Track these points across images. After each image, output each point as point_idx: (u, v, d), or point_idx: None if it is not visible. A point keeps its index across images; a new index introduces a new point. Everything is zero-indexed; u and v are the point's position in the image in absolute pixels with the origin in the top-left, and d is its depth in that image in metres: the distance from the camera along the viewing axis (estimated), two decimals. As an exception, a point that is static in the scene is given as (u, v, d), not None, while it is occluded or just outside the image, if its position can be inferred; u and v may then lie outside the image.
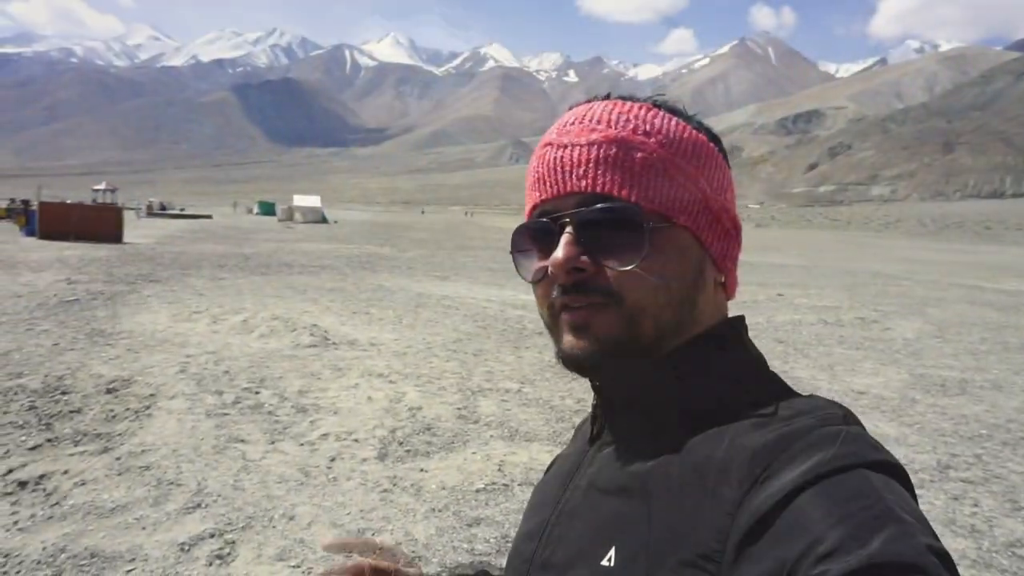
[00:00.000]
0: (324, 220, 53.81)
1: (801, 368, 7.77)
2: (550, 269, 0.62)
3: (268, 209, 68.47)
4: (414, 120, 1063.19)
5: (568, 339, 0.63)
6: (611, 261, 0.61)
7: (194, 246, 21.24)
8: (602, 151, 0.62)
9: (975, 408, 6.46)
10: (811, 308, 13.16)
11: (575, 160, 0.62)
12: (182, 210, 63.88)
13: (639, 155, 0.62)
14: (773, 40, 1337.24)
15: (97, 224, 21.71)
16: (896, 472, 0.51)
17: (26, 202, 33.78)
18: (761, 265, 25.40)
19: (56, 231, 20.96)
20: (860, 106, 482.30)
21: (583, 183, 0.62)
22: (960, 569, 3.34)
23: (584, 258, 0.61)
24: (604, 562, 0.57)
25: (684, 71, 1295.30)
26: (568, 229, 0.62)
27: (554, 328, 0.65)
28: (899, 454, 4.99)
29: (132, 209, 49.66)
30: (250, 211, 74.82)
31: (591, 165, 0.62)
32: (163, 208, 60.67)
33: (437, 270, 17.62)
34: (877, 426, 5.72)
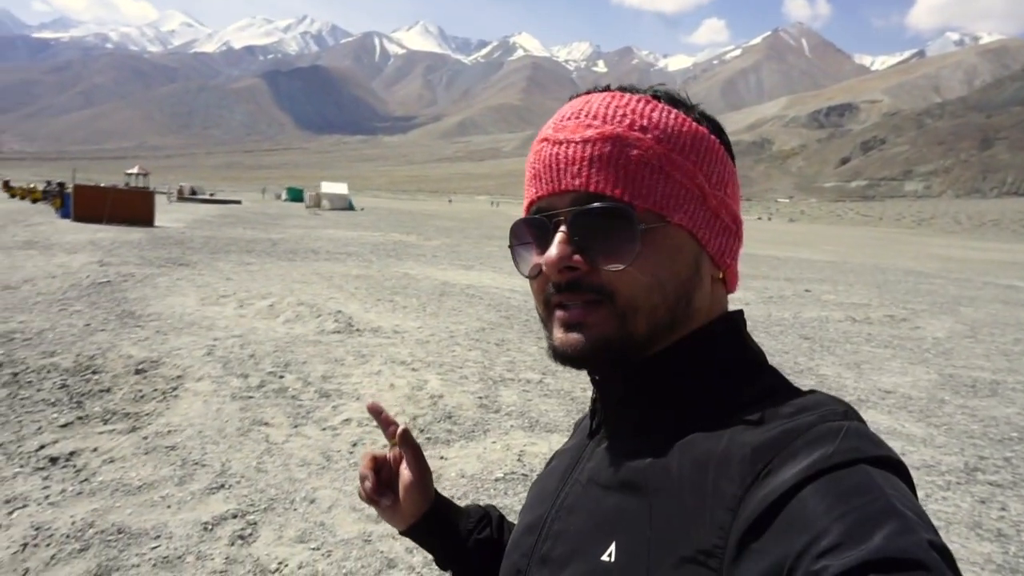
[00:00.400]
0: (351, 207, 54.17)
1: (827, 366, 7.67)
2: (543, 267, 0.62)
3: (296, 195, 69.10)
4: (442, 109, 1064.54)
5: (560, 335, 0.63)
6: (604, 261, 0.61)
7: (223, 231, 21.53)
8: (596, 149, 0.61)
9: (1006, 410, 6.32)
10: (839, 305, 12.96)
11: (570, 158, 0.62)
12: (212, 195, 64.71)
13: (634, 152, 0.61)
14: (807, 31, 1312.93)
15: (130, 207, 22.10)
16: (897, 468, 0.50)
17: (62, 185, 34.54)
18: (789, 260, 25.07)
19: (90, 214, 21.38)
20: (895, 100, 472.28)
21: (577, 182, 0.61)
22: (985, 574, 3.28)
23: (577, 257, 0.61)
24: (604, 557, 0.57)
25: (715, 62, 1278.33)
26: (562, 228, 0.62)
27: (548, 323, 0.66)
28: (926, 455, 4.91)
29: (163, 193, 50.49)
30: (278, 197, 75.63)
31: (585, 163, 0.61)
32: (193, 193, 61.47)
33: (462, 259, 17.66)
34: (904, 426, 5.63)
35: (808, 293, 14.60)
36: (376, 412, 0.86)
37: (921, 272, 23.15)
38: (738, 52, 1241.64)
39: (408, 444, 0.84)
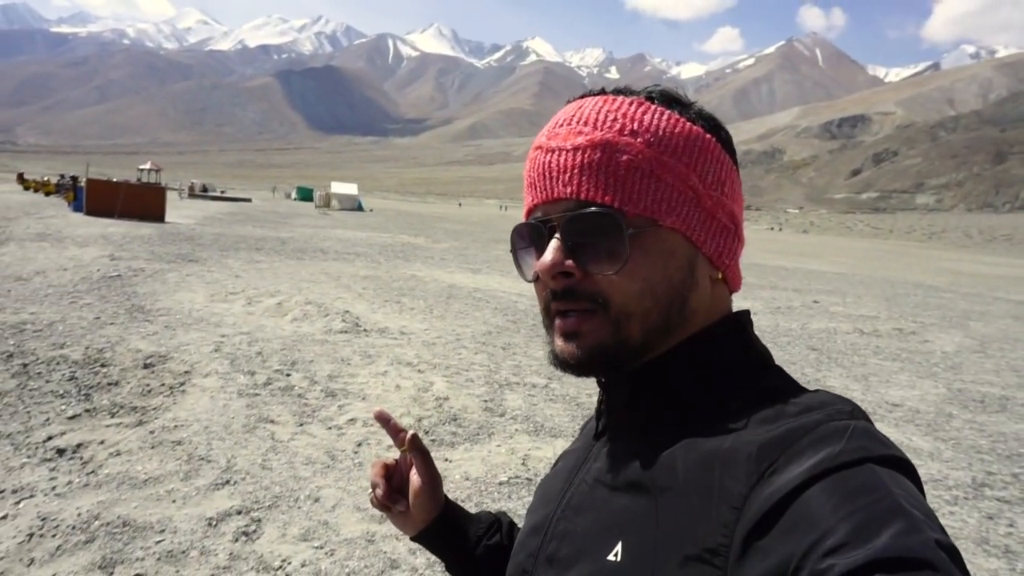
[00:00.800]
0: (360, 208, 54.32)
1: (834, 377, 7.63)
2: (539, 274, 0.64)
3: (306, 195, 69.32)
4: (453, 112, 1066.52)
5: (559, 344, 0.65)
6: (595, 267, 0.62)
7: (233, 228, 21.63)
8: (586, 156, 0.62)
9: (1015, 426, 6.27)
10: (847, 317, 12.90)
11: (561, 166, 0.63)
12: (223, 192, 65.03)
13: (624, 158, 0.61)
14: (821, 42, 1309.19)
15: (141, 203, 22.19)
16: (904, 467, 0.50)
17: (75, 179, 34.79)
18: (797, 271, 24.97)
19: (102, 208, 21.48)
20: (909, 112, 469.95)
21: (568, 189, 0.63)
22: (991, 591, 3.25)
23: (569, 263, 0.62)
24: (610, 557, 0.57)
25: (728, 71, 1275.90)
26: (556, 235, 0.63)
27: (549, 329, 0.67)
28: (933, 469, 4.88)
29: (175, 190, 50.74)
30: (288, 196, 75.93)
31: (576, 171, 0.62)
32: (204, 190, 61.78)
33: (469, 262, 17.67)
34: (911, 440, 5.60)
35: (816, 304, 14.53)
36: (384, 420, 0.86)
37: (931, 286, 23.02)
38: (751, 61, 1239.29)
39: (417, 450, 0.85)
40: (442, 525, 0.86)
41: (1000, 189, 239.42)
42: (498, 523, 0.90)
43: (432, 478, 0.85)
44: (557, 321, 0.65)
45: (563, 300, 0.63)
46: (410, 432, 0.85)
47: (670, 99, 0.66)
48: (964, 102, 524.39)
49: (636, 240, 0.61)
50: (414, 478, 0.85)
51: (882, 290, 19.65)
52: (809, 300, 15.18)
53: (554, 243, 0.63)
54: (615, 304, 0.61)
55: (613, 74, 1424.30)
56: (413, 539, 0.87)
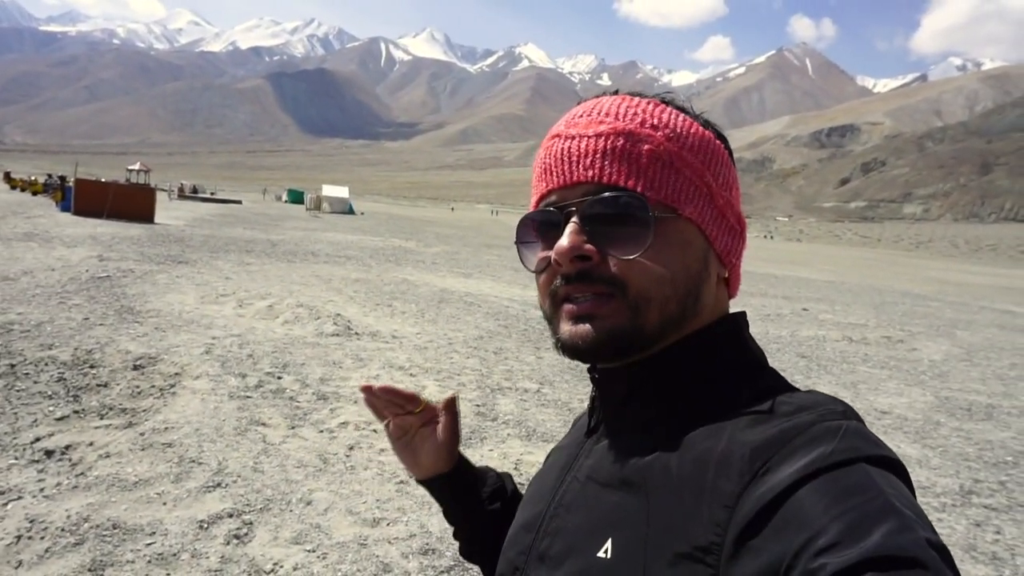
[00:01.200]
0: (351, 211, 54.21)
1: (823, 384, 7.67)
2: (554, 257, 0.62)
3: (297, 197, 69.15)
4: (445, 116, 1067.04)
5: (568, 328, 0.63)
6: (616, 250, 0.61)
7: (223, 230, 21.52)
8: (609, 142, 0.63)
9: (1001, 434, 6.33)
10: (836, 324, 12.98)
11: (582, 151, 0.63)
12: (213, 194, 64.70)
13: (646, 147, 0.62)
14: (811, 52, 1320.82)
15: (130, 203, 22.03)
16: (895, 467, 0.51)
17: (63, 178, 34.56)
18: (787, 279, 25.11)
19: (90, 208, 21.32)
20: (897, 122, 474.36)
21: (590, 173, 0.63)
22: (979, 597, 3.28)
23: (589, 246, 0.62)
24: (600, 554, 0.57)
25: (719, 79, 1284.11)
26: (574, 219, 0.63)
27: (554, 317, 0.66)
28: (921, 476, 4.92)
29: (164, 191, 50.44)
30: (279, 198, 75.64)
31: (598, 156, 0.63)
32: (195, 191, 61.42)
33: (461, 267, 17.66)
34: (899, 447, 5.63)
35: (806, 312, 14.62)
36: (391, 391, 0.90)
37: (918, 295, 23.21)
38: (742, 70, 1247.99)
39: (451, 412, 0.91)
40: (451, 480, 0.91)
41: (986, 200, 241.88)
42: (502, 489, 0.94)
43: (452, 440, 0.91)
44: (567, 306, 0.63)
45: (576, 284, 0.62)
46: (450, 394, 0.93)
47: (681, 107, 0.69)
48: (951, 113, 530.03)
49: (658, 226, 0.61)
50: (439, 432, 0.91)
51: (870, 298, 19.79)
52: (798, 307, 15.28)
53: (572, 226, 0.62)
54: (634, 288, 0.61)
55: (605, 80, 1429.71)
56: (418, 483, 0.92)
